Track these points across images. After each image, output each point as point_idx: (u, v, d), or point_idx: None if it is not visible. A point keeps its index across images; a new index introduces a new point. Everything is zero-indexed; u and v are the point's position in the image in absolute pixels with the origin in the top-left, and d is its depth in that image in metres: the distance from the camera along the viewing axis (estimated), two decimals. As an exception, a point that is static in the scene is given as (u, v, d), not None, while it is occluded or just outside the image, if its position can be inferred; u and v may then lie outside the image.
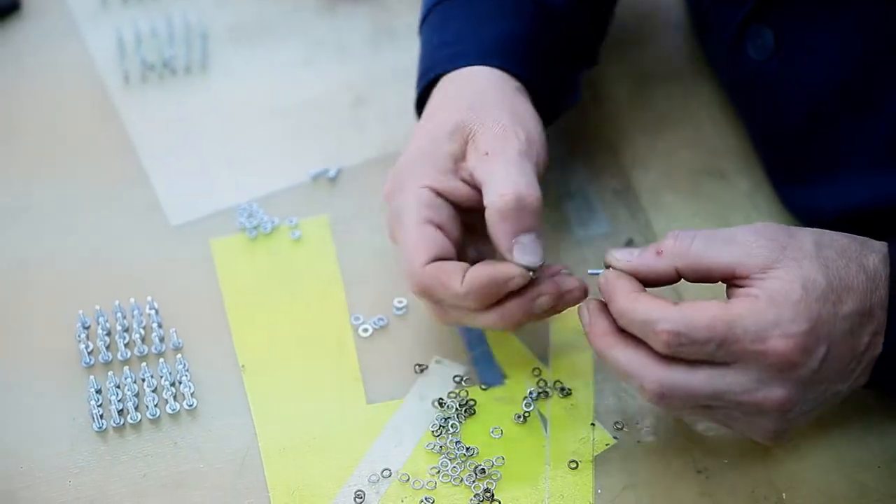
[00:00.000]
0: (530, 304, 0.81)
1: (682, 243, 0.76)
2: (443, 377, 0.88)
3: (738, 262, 0.75)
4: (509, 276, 0.79)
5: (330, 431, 0.86)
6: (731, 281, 0.75)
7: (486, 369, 0.89)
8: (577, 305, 0.80)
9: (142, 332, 0.91)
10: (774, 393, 0.73)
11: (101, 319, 0.91)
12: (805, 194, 0.90)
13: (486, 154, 0.81)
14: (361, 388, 0.88)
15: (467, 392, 0.87)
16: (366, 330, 0.91)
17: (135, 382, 0.88)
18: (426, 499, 0.82)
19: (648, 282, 0.77)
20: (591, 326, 0.78)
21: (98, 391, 0.87)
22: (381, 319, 0.91)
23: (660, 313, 0.73)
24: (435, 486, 0.83)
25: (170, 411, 0.87)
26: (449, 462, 0.84)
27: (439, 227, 0.81)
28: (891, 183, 0.84)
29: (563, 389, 0.87)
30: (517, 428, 0.86)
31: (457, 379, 0.88)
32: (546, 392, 0.87)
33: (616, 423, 0.85)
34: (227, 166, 1.02)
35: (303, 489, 0.83)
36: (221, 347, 0.90)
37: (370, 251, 0.95)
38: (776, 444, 0.79)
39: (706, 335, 0.72)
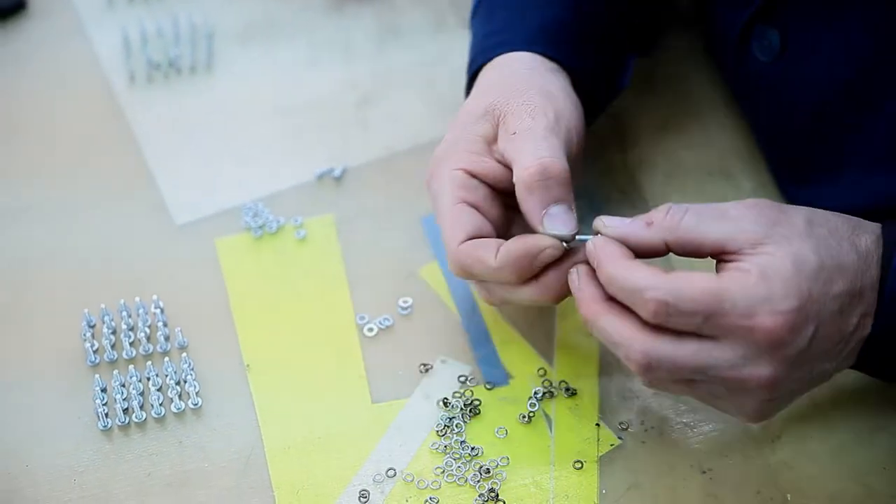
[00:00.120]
0: (567, 275, 0.80)
1: (672, 217, 0.75)
2: (448, 377, 0.88)
3: (729, 237, 0.74)
4: (541, 248, 0.79)
5: (334, 431, 0.86)
6: (721, 256, 0.75)
7: (491, 369, 0.89)
8: (569, 270, 0.79)
9: (147, 331, 0.91)
10: (760, 370, 0.73)
11: (106, 318, 0.91)
12: (809, 194, 0.90)
13: (514, 133, 0.81)
14: (366, 388, 0.88)
15: (472, 392, 0.87)
16: (371, 329, 0.91)
17: (140, 381, 0.88)
18: (431, 498, 0.82)
19: (637, 252, 0.76)
20: (580, 292, 0.77)
21: (103, 390, 0.87)
22: (386, 319, 0.91)
23: (649, 281, 0.73)
24: (439, 486, 0.83)
25: (174, 410, 0.87)
26: (453, 462, 0.84)
27: (475, 206, 0.82)
28: (893, 182, 0.84)
29: (568, 389, 0.87)
30: (522, 428, 0.86)
31: (462, 379, 0.88)
32: (551, 392, 0.87)
33: (621, 423, 0.85)
34: (232, 165, 1.02)
35: (307, 488, 0.83)
36: (226, 346, 0.90)
37: (375, 251, 0.95)
38: (759, 422, 0.77)
39: (693, 307, 0.72)
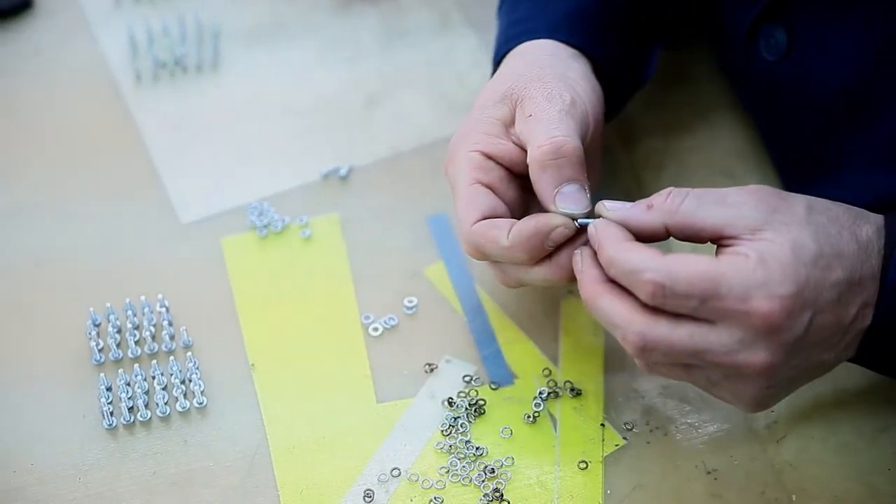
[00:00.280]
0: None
1: (673, 201, 0.75)
2: (453, 377, 0.88)
3: (728, 222, 0.74)
4: (553, 226, 0.79)
5: (339, 430, 0.86)
6: (720, 241, 0.74)
7: (496, 369, 0.89)
8: (574, 252, 0.79)
9: (152, 329, 0.91)
10: (756, 356, 0.72)
11: (111, 317, 0.91)
12: (815, 194, 0.90)
13: (530, 116, 0.82)
14: (371, 387, 0.88)
15: (477, 392, 0.87)
16: (376, 329, 0.91)
17: (145, 380, 0.88)
18: (435, 498, 0.82)
19: (637, 235, 0.76)
20: (582, 273, 0.77)
21: (108, 389, 0.87)
22: (391, 319, 0.91)
23: (647, 262, 0.73)
24: (444, 486, 0.83)
25: (180, 409, 0.87)
26: (458, 462, 0.84)
27: (490, 187, 0.82)
28: (894, 182, 0.84)
29: (573, 390, 0.87)
30: (527, 428, 0.85)
31: (467, 378, 0.88)
32: (556, 392, 0.87)
33: (626, 423, 0.85)
34: (238, 165, 1.02)
35: (312, 488, 0.83)
36: (231, 346, 0.90)
37: (381, 250, 0.95)
38: (757, 411, 0.77)
39: (689, 289, 0.71)
